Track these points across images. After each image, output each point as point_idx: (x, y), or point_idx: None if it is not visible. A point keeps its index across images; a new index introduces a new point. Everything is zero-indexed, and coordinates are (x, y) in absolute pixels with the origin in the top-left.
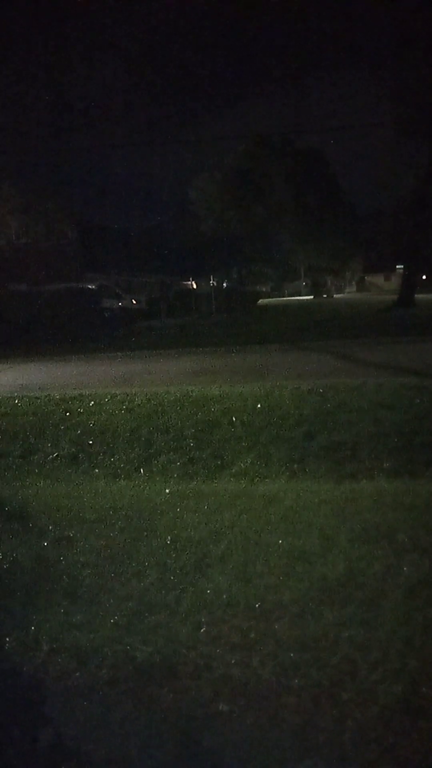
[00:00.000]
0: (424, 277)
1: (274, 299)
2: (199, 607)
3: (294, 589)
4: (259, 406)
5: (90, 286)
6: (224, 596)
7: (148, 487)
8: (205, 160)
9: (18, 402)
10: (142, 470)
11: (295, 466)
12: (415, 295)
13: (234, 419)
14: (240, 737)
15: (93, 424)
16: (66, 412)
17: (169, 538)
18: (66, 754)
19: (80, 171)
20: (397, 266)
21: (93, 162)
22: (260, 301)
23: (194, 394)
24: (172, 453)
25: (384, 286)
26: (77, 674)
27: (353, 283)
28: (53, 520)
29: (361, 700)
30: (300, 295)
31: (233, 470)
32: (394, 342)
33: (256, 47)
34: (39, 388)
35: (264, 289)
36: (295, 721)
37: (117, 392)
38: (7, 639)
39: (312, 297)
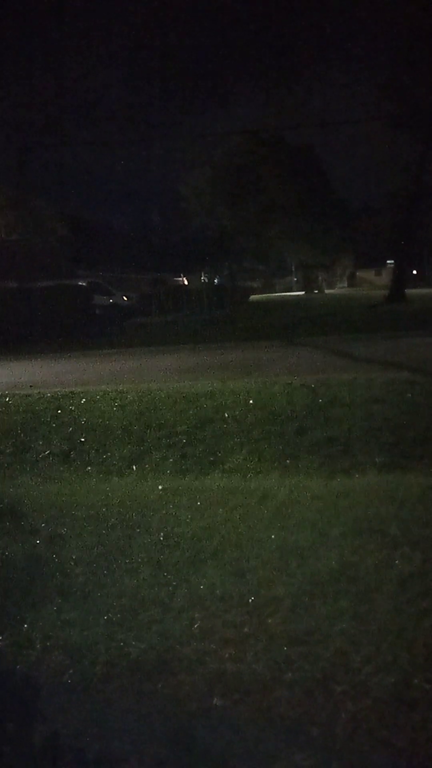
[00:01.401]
0: (414, 272)
1: (265, 295)
2: (193, 602)
3: (287, 584)
4: (251, 402)
5: (81, 283)
6: (217, 592)
7: (140, 484)
8: (196, 156)
9: (9, 400)
10: (134, 467)
11: (288, 461)
12: (406, 290)
13: (226, 415)
14: (234, 731)
15: (85, 422)
16: (58, 410)
17: (162, 534)
18: (61, 751)
19: (71, 167)
20: (388, 262)
21: (83, 158)
22: (252, 297)
23: (186, 390)
24: (164, 450)
25: (375, 282)
26: (71, 671)
27: (344, 278)
28: (45, 517)
29: (355, 693)
30: (291, 291)
31: (226, 466)
32: (385, 337)
33: (247, 42)
34: (30, 386)
35: (255, 285)
36: (289, 714)
37: (109, 389)
38: (0, 637)
39: (303, 293)
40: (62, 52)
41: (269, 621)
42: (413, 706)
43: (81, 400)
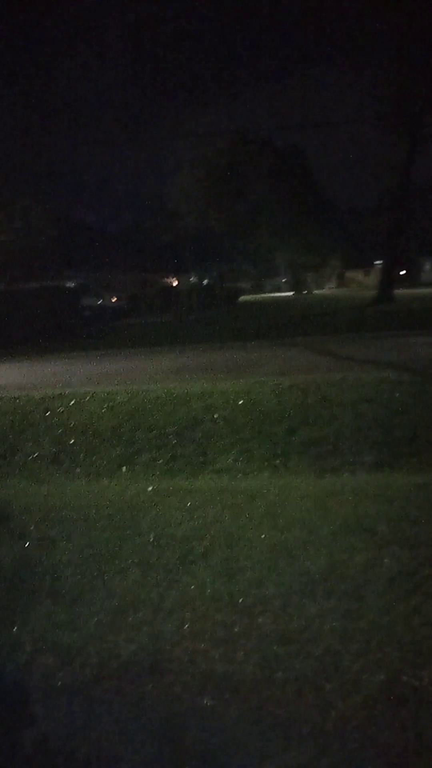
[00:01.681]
0: (402, 272)
1: (255, 296)
2: (183, 603)
3: (277, 583)
4: (241, 402)
5: (69, 285)
6: (208, 592)
7: (130, 486)
8: (185, 157)
9: None
10: (124, 468)
11: (278, 461)
12: (394, 291)
13: (216, 416)
14: (225, 730)
15: (74, 424)
16: (46, 412)
17: (152, 535)
18: (52, 752)
19: (59, 168)
20: (376, 262)
21: (72, 159)
22: (241, 297)
23: (176, 391)
24: (154, 451)
25: (363, 282)
26: (61, 673)
27: (333, 279)
28: (35, 520)
29: (344, 690)
30: (280, 292)
31: (216, 467)
32: (374, 337)
33: (236, 45)
34: (18, 388)
35: (245, 286)
36: (279, 712)
37: (98, 391)
38: None
39: (293, 293)
40: (52, 50)
41: (259, 620)
42: (401, 702)
43: (70, 401)
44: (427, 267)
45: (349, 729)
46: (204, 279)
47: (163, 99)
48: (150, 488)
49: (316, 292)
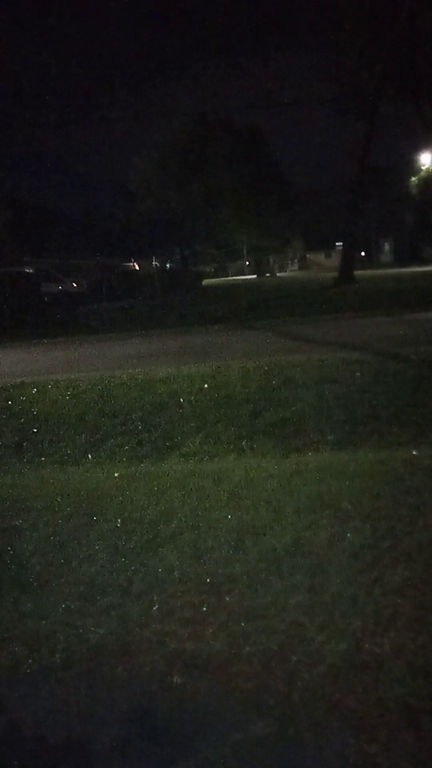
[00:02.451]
0: (362, 253)
1: (218, 279)
2: (151, 585)
3: (243, 562)
4: (206, 386)
5: (28, 270)
6: (176, 573)
7: (96, 472)
8: (143, 140)
9: None
10: (90, 456)
11: (243, 443)
12: (355, 272)
13: (182, 400)
14: (195, 706)
15: (37, 412)
16: (8, 401)
17: (119, 520)
18: (23, 740)
19: (13, 150)
20: (337, 244)
21: (27, 141)
22: (204, 281)
23: (141, 377)
24: (120, 437)
25: (325, 264)
26: (30, 661)
27: (295, 261)
28: None
29: (310, 661)
30: (244, 275)
31: (182, 451)
32: (336, 318)
33: (193, 23)
34: None
35: (208, 269)
36: (247, 686)
37: (61, 378)
38: None
39: (255, 276)
40: (13, 33)
41: (227, 599)
42: (364, 669)
43: (32, 390)
44: (386, 248)
45: (314, 698)
46: (166, 263)
47: (120, 80)
48: (116, 474)
49: (279, 274)
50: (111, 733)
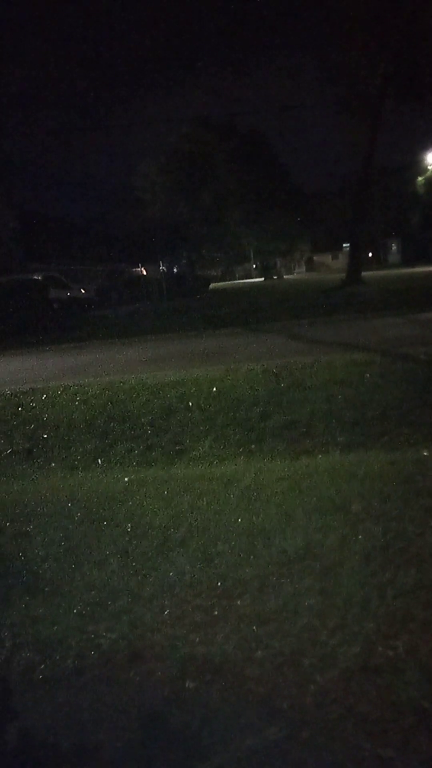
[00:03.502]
0: (370, 254)
1: (225, 283)
2: (162, 590)
3: (254, 565)
4: (214, 389)
5: (36, 277)
6: (186, 577)
7: (106, 477)
8: (149, 145)
9: None
10: (99, 461)
11: (253, 446)
12: (362, 273)
13: (191, 404)
14: (207, 711)
15: (47, 418)
16: (18, 407)
17: (129, 525)
18: (36, 746)
19: (21, 159)
20: (344, 245)
21: (34, 150)
22: (212, 285)
23: (150, 381)
24: (129, 442)
25: (332, 266)
26: (42, 666)
27: (302, 263)
28: (10, 516)
29: (322, 665)
30: (250, 278)
31: (192, 455)
32: (344, 320)
33: (196, 26)
34: None
35: (215, 273)
36: (260, 690)
37: (70, 384)
38: None
39: (263, 279)
40: (17, 41)
41: (238, 603)
42: (378, 673)
43: (42, 396)
44: (393, 248)
45: (327, 701)
46: (174, 267)
47: (125, 87)
48: (126, 479)
49: (285, 277)
50: (123, 738)
